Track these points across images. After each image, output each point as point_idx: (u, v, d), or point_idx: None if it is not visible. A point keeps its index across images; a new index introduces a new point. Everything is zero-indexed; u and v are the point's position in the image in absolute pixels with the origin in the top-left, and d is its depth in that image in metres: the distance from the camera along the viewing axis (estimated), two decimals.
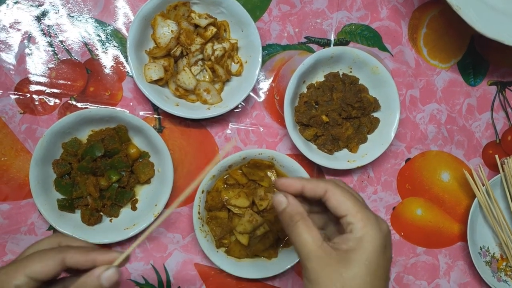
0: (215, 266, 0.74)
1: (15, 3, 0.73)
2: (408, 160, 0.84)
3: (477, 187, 0.82)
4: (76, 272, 0.45)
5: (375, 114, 0.80)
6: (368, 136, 0.79)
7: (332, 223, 0.51)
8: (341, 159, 0.77)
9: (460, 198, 0.86)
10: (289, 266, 0.73)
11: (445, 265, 0.84)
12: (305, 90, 0.79)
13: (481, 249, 0.84)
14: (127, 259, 0.46)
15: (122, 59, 0.76)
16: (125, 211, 0.73)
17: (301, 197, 0.49)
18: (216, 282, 0.76)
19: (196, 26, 0.74)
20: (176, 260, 0.76)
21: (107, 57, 0.75)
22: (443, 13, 0.85)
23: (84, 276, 0.43)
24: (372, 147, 0.78)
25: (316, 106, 0.78)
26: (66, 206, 0.70)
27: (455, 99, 0.86)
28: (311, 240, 0.45)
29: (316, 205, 0.51)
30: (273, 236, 0.74)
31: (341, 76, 0.79)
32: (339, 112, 0.76)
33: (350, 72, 0.79)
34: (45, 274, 0.43)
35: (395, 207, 0.83)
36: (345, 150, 0.79)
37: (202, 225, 0.73)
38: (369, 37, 0.83)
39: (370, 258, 0.44)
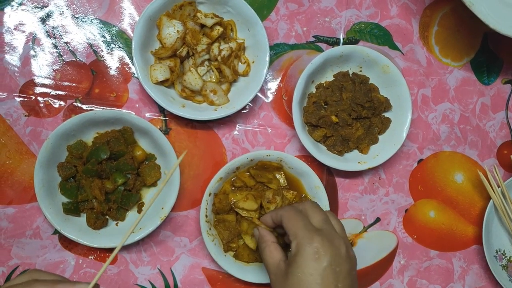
0: (223, 270, 0.73)
1: (20, 4, 0.73)
2: (420, 161, 0.82)
3: (492, 188, 0.80)
4: None
5: (386, 114, 0.78)
6: (379, 136, 0.78)
7: None
8: (352, 160, 0.76)
9: (475, 199, 0.83)
10: None
11: (460, 268, 0.82)
12: (314, 90, 0.77)
13: (497, 252, 0.82)
14: None
15: (127, 60, 0.75)
16: (131, 214, 0.72)
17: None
18: (224, 286, 0.75)
19: (202, 26, 0.73)
20: (183, 264, 0.75)
21: (113, 58, 0.75)
22: (455, 10, 0.84)
23: None
24: (383, 148, 0.76)
25: (325, 106, 0.76)
26: (72, 209, 0.69)
27: (468, 98, 0.84)
28: (271, 261, 0.57)
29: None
30: (282, 240, 0.72)
31: (350, 76, 0.77)
32: (349, 112, 0.75)
33: (360, 71, 0.78)
34: None
35: (408, 209, 0.81)
36: (356, 151, 0.77)
37: (210, 229, 0.71)
38: (379, 35, 0.81)
39: (303, 269, 0.52)
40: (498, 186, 0.80)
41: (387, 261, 0.80)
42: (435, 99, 0.83)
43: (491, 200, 0.79)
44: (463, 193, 0.83)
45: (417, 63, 0.82)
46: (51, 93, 0.73)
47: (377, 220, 0.80)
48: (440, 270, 0.81)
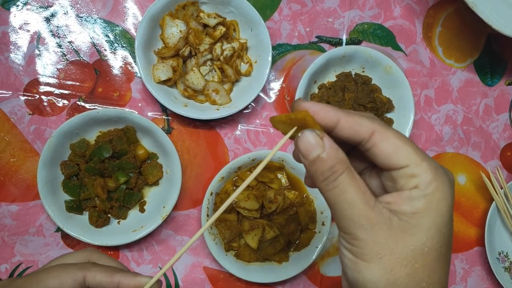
0: (224, 269, 0.73)
1: (25, 4, 0.73)
2: None
3: (495, 190, 0.79)
4: None
5: (388, 115, 0.78)
6: None
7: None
8: None
9: (477, 201, 0.83)
10: (300, 271, 0.71)
11: (462, 270, 0.82)
12: (316, 91, 0.77)
13: (499, 254, 0.81)
14: (159, 285, 0.42)
15: (130, 59, 0.75)
16: (133, 213, 0.73)
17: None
18: (225, 286, 0.75)
19: (205, 25, 0.73)
20: (184, 263, 0.75)
21: (116, 58, 0.75)
22: (459, 11, 0.83)
23: None
24: None
25: None
26: (74, 207, 0.69)
27: (471, 100, 0.84)
28: (362, 199, 0.32)
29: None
30: (284, 240, 0.72)
31: (353, 76, 0.77)
32: None
33: (363, 72, 0.78)
34: None
35: None
36: None
37: (211, 228, 0.71)
38: (382, 36, 0.81)
39: (445, 221, 0.33)
40: (501, 188, 0.79)
41: None
42: (438, 100, 0.82)
43: (494, 202, 0.79)
44: (466, 195, 0.83)
45: (420, 64, 0.82)
46: (55, 92, 0.73)
47: None
48: None
